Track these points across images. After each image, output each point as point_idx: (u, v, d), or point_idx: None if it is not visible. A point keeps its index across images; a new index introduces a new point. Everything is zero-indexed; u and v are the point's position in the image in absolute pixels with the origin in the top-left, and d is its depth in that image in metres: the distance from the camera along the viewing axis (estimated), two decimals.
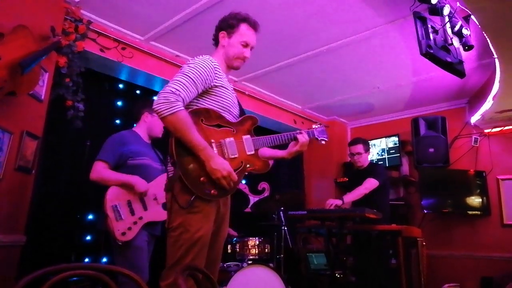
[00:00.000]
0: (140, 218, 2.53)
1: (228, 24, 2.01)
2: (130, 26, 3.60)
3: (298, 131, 2.15)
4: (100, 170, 2.55)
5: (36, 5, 2.71)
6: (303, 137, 2.11)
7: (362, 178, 3.83)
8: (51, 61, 2.84)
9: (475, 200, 4.73)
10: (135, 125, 2.95)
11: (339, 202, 3.57)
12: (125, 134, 2.75)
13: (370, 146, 5.48)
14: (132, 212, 2.52)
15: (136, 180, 2.52)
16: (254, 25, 2.04)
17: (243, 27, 2.01)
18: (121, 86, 4.09)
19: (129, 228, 2.46)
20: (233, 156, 1.88)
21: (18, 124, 2.48)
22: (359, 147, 3.93)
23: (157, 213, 2.61)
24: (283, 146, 2.18)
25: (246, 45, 2.02)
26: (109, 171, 2.56)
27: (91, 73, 3.57)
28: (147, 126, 2.83)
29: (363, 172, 3.93)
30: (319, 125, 2.34)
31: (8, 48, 2.17)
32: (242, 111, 2.09)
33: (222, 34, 2.03)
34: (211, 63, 1.88)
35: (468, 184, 4.79)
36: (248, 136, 1.99)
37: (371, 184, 3.69)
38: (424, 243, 3.62)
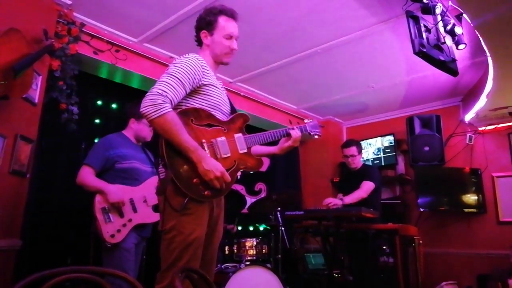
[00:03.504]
0: (130, 220, 2.55)
1: (207, 22, 1.96)
2: (123, 28, 3.58)
3: (290, 127, 2.13)
4: (83, 175, 2.57)
5: (28, 8, 2.70)
6: (295, 133, 2.10)
7: (355, 179, 3.91)
8: (44, 64, 2.83)
9: (470, 198, 4.75)
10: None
11: (339, 202, 3.58)
12: (112, 138, 2.76)
13: (365, 146, 5.54)
14: (121, 215, 2.54)
15: (110, 190, 2.52)
16: (232, 15, 1.99)
17: (222, 20, 1.96)
18: (115, 88, 4.07)
19: (118, 231, 2.48)
20: (225, 156, 1.85)
21: (12, 128, 2.46)
22: (353, 149, 4.00)
23: (146, 215, 2.64)
24: (276, 143, 2.16)
25: (230, 37, 1.96)
26: (90, 177, 2.57)
27: (84, 75, 3.56)
28: (134, 132, 2.86)
29: (356, 173, 4.00)
30: (311, 120, 2.34)
31: (0, 52, 2.16)
32: (233, 109, 2.06)
33: (203, 33, 1.98)
34: (198, 61, 1.84)
35: (464, 182, 4.81)
36: (240, 134, 1.96)
37: (369, 187, 3.76)
38: (421, 242, 3.64)
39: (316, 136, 2.29)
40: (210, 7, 2.01)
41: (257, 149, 2.14)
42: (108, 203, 2.51)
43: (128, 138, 2.84)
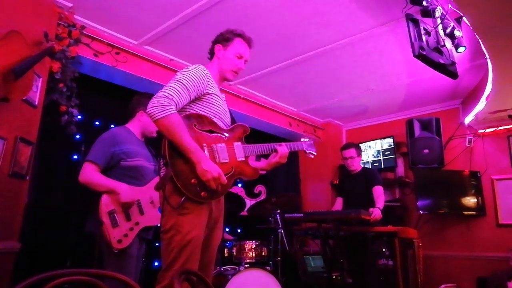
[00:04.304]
0: (137, 223, 2.40)
1: (224, 38, 2.11)
2: (124, 31, 3.59)
3: (278, 144, 2.19)
4: (89, 173, 2.38)
5: (29, 11, 2.71)
6: (282, 149, 2.15)
7: (355, 182, 3.92)
8: (45, 67, 2.84)
9: (470, 201, 4.75)
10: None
11: (378, 211, 3.56)
12: (117, 133, 2.57)
13: (364, 149, 5.54)
14: (128, 218, 2.38)
15: (122, 189, 2.35)
16: (248, 41, 2.15)
17: (238, 41, 2.11)
18: (115, 90, 4.08)
19: (125, 235, 2.32)
20: (224, 161, 1.93)
21: (12, 130, 2.47)
22: (352, 151, 4.02)
23: (153, 217, 2.49)
24: (266, 157, 2.23)
25: (240, 57, 2.10)
26: (98, 175, 2.38)
27: (85, 78, 3.56)
28: (141, 125, 2.67)
29: (356, 176, 4.02)
30: (308, 139, 2.41)
31: (0, 54, 2.17)
32: (233, 121, 2.15)
33: (218, 47, 2.11)
34: (203, 71, 1.95)
35: (463, 185, 4.81)
36: (239, 143, 2.05)
37: (382, 191, 3.81)
38: (420, 244, 3.64)
39: (311, 156, 2.37)
40: (233, 29, 2.16)
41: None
42: (117, 204, 2.34)
43: (133, 133, 2.64)
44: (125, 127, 2.69)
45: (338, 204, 4.16)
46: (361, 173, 4.03)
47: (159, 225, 2.59)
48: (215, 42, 2.14)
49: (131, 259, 2.38)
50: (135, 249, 2.42)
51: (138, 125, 2.69)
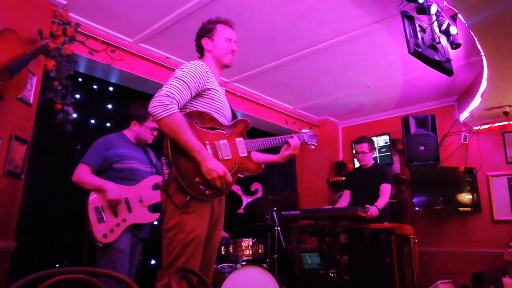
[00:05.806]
0: (124, 220, 2.49)
1: (206, 30, 2.12)
2: (119, 28, 3.57)
3: (289, 135, 2.21)
4: (81, 173, 2.52)
5: (23, 8, 2.68)
6: (294, 141, 2.18)
7: (365, 177, 3.90)
8: (39, 65, 2.82)
9: (465, 197, 4.78)
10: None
11: (375, 209, 3.53)
12: (112, 138, 2.70)
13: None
14: (116, 214, 2.48)
15: (108, 187, 2.47)
16: (228, 23, 2.15)
17: (220, 27, 2.12)
18: (110, 88, 4.06)
19: (111, 230, 2.42)
20: (227, 158, 1.93)
21: (7, 129, 2.45)
22: (364, 146, 3.97)
23: (142, 216, 2.58)
24: (274, 150, 2.21)
25: (229, 40, 2.11)
26: (88, 175, 2.52)
27: (80, 76, 3.54)
28: (135, 135, 2.79)
29: (366, 171, 3.98)
30: (308, 130, 2.41)
31: None
32: (234, 115, 2.15)
33: (204, 40, 2.11)
34: (203, 67, 1.94)
35: (459, 181, 4.83)
36: (241, 138, 2.05)
37: (389, 189, 3.78)
38: (416, 240, 3.65)
39: (312, 146, 2.36)
40: (207, 19, 2.17)
41: (259, 156, 2.21)
42: (105, 201, 2.45)
43: (129, 139, 2.78)
44: (122, 133, 2.81)
45: (346, 197, 4.09)
46: (372, 169, 3.99)
47: (155, 222, 2.66)
48: (200, 37, 2.14)
49: (119, 254, 2.45)
50: (125, 244, 2.49)
51: (131, 134, 2.81)
